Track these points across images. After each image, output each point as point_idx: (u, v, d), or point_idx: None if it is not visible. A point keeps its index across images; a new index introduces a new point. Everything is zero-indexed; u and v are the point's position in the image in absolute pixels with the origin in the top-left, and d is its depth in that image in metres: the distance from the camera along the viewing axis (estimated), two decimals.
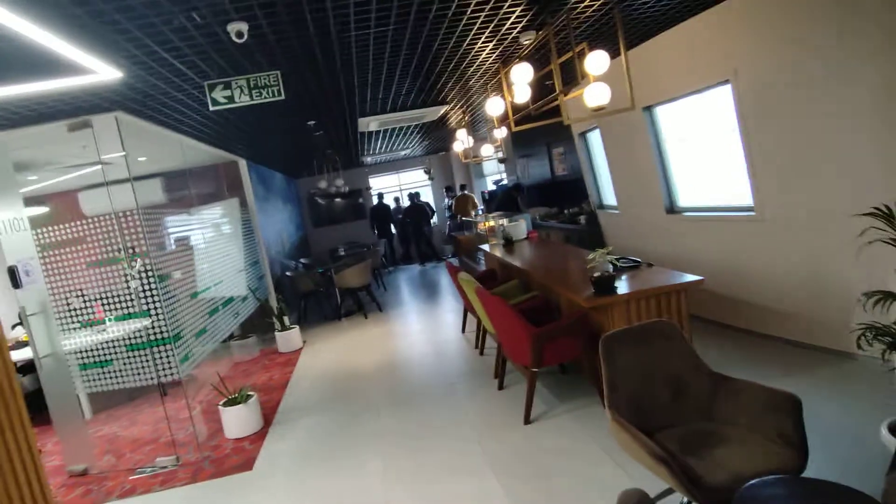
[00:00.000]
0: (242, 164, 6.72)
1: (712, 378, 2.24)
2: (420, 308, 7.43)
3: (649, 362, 2.27)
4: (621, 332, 2.31)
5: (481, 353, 4.81)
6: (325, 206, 12.09)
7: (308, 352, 5.99)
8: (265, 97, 2.93)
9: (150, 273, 3.48)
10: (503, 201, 9.29)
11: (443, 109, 5.86)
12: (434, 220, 11.78)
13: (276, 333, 6.15)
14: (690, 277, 3.13)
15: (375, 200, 11.85)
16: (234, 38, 2.31)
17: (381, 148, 8.94)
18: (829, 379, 3.25)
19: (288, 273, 7.90)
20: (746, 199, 4.03)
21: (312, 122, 5.28)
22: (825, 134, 3.26)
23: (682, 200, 4.92)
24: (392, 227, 11.53)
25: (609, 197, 6.40)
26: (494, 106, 4.29)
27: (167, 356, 3.55)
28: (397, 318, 7.01)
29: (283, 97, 2.94)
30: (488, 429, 3.36)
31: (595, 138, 6.27)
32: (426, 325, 6.37)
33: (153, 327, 3.50)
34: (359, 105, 4.90)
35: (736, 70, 3.72)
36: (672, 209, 5.02)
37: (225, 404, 3.90)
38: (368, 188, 12.40)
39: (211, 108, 2.90)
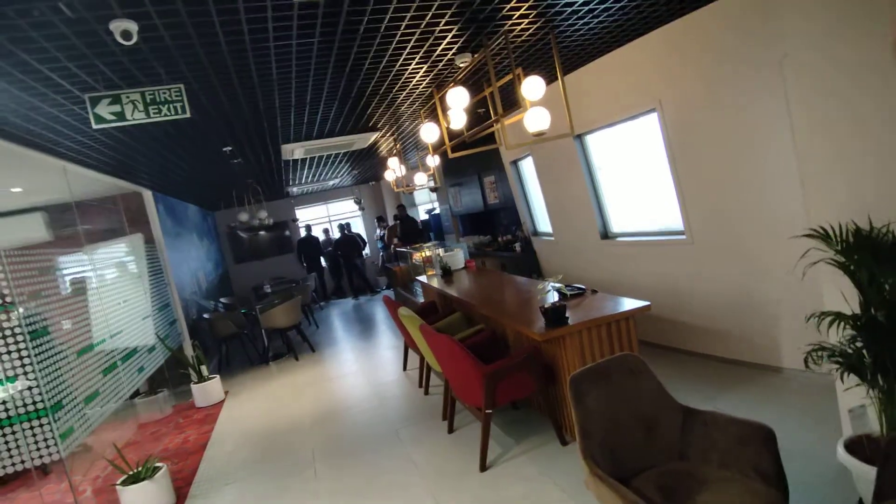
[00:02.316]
0: (147, 195, 6.01)
1: (681, 412, 2.13)
2: (356, 345, 6.94)
3: (618, 401, 2.11)
4: (587, 370, 2.13)
5: (426, 393, 4.45)
6: (247, 240, 11.28)
7: (231, 404, 5.31)
8: (166, 115, 2.50)
9: (19, 328, 2.82)
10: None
11: (373, 136, 5.60)
12: (366, 251, 11.37)
13: (192, 385, 5.43)
14: (637, 303, 3.10)
15: (303, 233, 11.27)
16: (121, 40, 1.90)
17: (307, 177, 8.47)
18: (765, 394, 3.30)
19: (206, 315, 7.11)
20: (677, 223, 4.12)
21: (229, 149, 4.80)
22: (745, 160, 3.42)
23: (616, 226, 4.98)
24: (322, 260, 10.99)
25: (543, 224, 6.41)
26: (429, 132, 4.10)
27: (42, 433, 2.85)
28: (332, 358, 6.47)
29: (187, 115, 2.52)
30: (441, 480, 3.02)
31: (527, 166, 6.29)
32: (364, 365, 5.91)
33: (20, 397, 2.81)
34: (281, 130, 4.50)
35: (660, 100, 3.84)
36: (606, 235, 5.07)
37: (124, 482, 3.22)
38: (295, 220, 11.77)
39: (95, 126, 2.41)
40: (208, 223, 10.20)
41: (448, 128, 3.97)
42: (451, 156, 4.09)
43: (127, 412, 5.05)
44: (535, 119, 2.95)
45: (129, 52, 2.25)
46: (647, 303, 3.07)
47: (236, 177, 6.84)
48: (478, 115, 4.99)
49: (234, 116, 3.78)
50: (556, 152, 5.17)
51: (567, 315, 3.02)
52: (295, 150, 5.39)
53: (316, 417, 4.46)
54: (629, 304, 3.10)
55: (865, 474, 1.89)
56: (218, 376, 5.60)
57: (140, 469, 3.27)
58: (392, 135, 5.84)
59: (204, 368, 5.62)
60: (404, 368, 5.28)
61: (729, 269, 3.75)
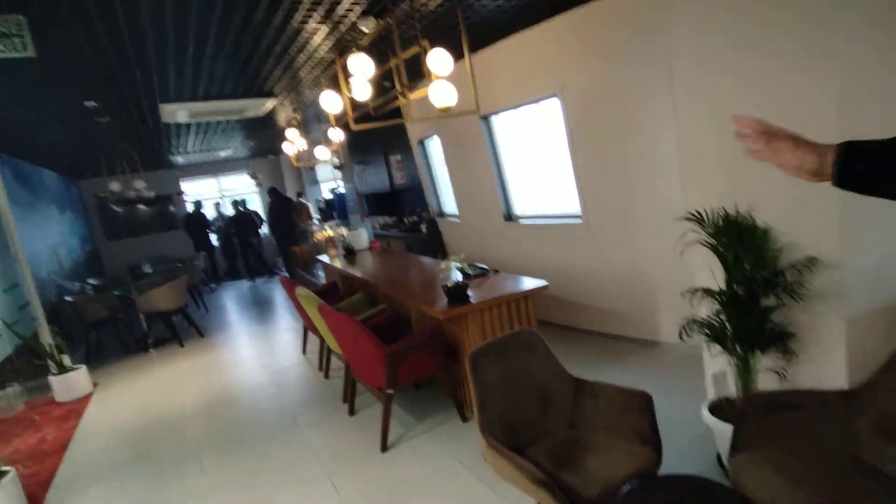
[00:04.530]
0: None
1: (573, 384, 2.23)
2: (252, 330, 6.51)
3: (515, 375, 2.16)
4: (486, 346, 2.15)
5: (326, 377, 4.28)
6: (122, 214, 10.03)
7: (101, 397, 4.72)
8: (2, 52, 2.05)
9: None
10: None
11: (269, 103, 5.18)
12: (263, 230, 10.66)
13: (51, 378, 4.73)
14: (537, 283, 3.18)
15: (191, 208, 10.29)
16: None
17: (194, 145, 7.69)
18: (645, 365, 3.58)
19: (68, 298, 6.22)
20: (575, 207, 4.29)
21: (93, 104, 4.14)
22: (636, 148, 3.63)
23: (519, 209, 5.10)
24: (213, 238, 10.16)
25: (449, 205, 6.42)
26: (330, 101, 3.86)
27: None
28: (223, 343, 6.01)
29: (31, 54, 2.09)
30: (340, 463, 2.93)
31: (433, 146, 6.23)
32: (260, 350, 5.55)
33: None
34: (158, 86, 3.97)
35: (562, 85, 3.93)
36: (510, 217, 5.18)
37: None
38: (180, 193, 10.70)
39: None
40: (72, 193, 8.92)
41: (351, 98, 3.77)
42: (354, 128, 3.90)
43: None
44: (441, 93, 2.86)
45: None
46: (545, 282, 3.17)
47: (105, 140, 5.98)
48: (384, 87, 4.81)
49: (97, 64, 3.24)
50: (462, 133, 5.16)
51: (469, 293, 3.03)
52: (177, 113, 4.82)
53: (203, 407, 4.10)
54: (529, 283, 3.18)
55: (724, 432, 2.07)
56: (84, 367, 4.93)
57: None
58: (291, 103, 5.46)
59: (66, 358, 4.93)
60: (304, 352, 5.04)
61: (620, 251, 4.00)
